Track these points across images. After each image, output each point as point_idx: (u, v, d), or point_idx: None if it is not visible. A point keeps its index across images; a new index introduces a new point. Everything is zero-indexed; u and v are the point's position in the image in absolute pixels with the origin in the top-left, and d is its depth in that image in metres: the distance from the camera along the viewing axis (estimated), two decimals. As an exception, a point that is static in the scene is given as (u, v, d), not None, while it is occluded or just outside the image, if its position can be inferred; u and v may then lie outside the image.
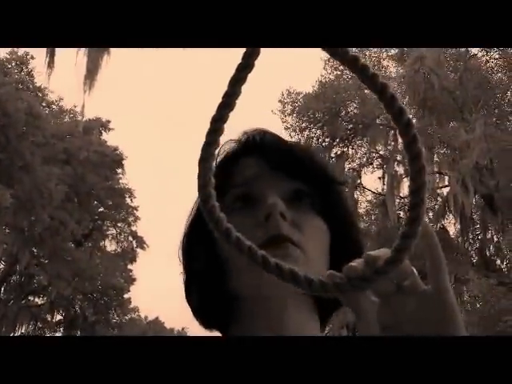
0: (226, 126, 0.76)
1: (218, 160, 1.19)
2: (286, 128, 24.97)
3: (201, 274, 1.15)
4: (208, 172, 0.77)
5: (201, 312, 1.18)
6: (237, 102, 0.77)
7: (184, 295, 1.21)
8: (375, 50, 24.85)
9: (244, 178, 1.13)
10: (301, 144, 1.23)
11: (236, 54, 0.76)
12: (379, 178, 23.73)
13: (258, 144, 1.17)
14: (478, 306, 18.83)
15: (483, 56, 23.75)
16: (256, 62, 0.76)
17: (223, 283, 1.11)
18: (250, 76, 0.75)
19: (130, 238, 31.61)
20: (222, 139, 0.78)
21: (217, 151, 0.79)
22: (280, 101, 25.02)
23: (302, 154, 1.17)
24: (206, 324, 1.19)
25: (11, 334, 27.28)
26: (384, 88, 0.73)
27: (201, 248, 1.12)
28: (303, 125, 24.65)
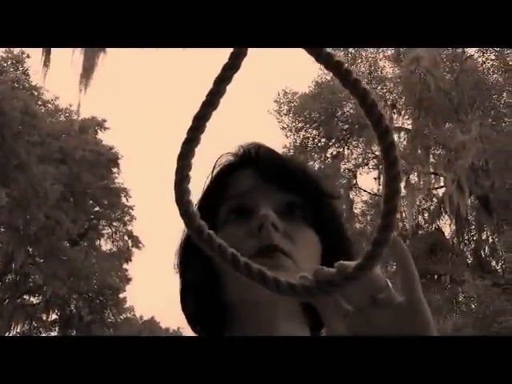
0: (224, 127, 0.76)
1: (214, 172, 1.23)
2: (282, 128, 24.99)
3: (196, 283, 1.17)
4: (186, 168, 0.77)
5: (195, 320, 1.20)
6: (220, 101, 0.77)
7: (179, 296, 1.23)
8: (371, 50, 24.87)
9: (238, 190, 1.15)
10: (295, 158, 1.27)
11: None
12: (375, 178, 23.77)
13: (252, 157, 1.20)
14: (473, 306, 18.86)
15: (479, 57, 23.79)
16: (253, 62, 0.76)
17: (217, 292, 1.13)
18: (246, 76, 0.75)
19: (126, 238, 31.56)
20: (212, 140, 0.78)
21: (197, 148, 0.80)
22: (276, 101, 25.03)
23: (295, 167, 1.20)
24: (199, 332, 1.20)
25: (6, 334, 27.22)
26: (366, 94, 0.73)
27: (196, 257, 1.12)
28: (299, 125, 24.66)
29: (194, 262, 1.16)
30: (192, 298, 1.18)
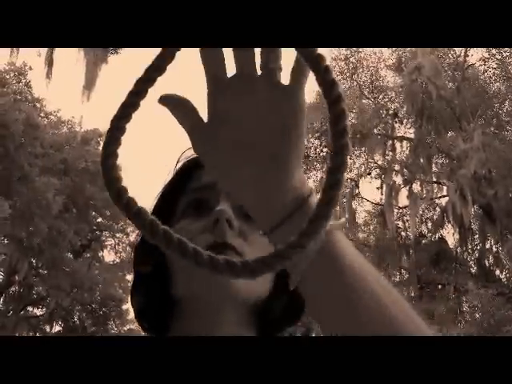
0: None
1: (181, 164, 1.20)
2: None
3: (146, 277, 1.16)
4: (112, 166, 0.77)
5: (143, 315, 1.19)
6: (141, 102, 0.77)
7: (130, 292, 1.23)
8: (372, 60, 24.90)
9: (201, 184, 1.14)
10: None
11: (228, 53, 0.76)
12: (377, 188, 23.75)
13: None
14: (478, 316, 18.80)
15: (481, 66, 23.82)
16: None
17: (167, 287, 1.11)
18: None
19: (129, 249, 31.54)
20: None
21: (118, 150, 0.80)
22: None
23: None
24: (146, 328, 1.18)
25: (9, 346, 27.15)
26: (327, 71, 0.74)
27: (149, 251, 1.10)
28: (301, 135, 24.66)
29: (146, 255, 1.15)
30: (142, 292, 1.17)
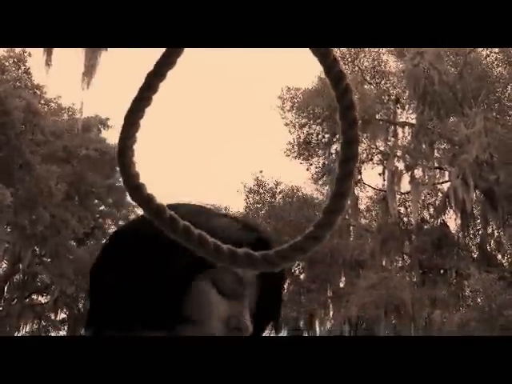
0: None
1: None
2: (286, 124, 24.98)
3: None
4: (129, 163, 0.77)
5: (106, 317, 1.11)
6: (153, 97, 0.77)
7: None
8: (374, 45, 24.76)
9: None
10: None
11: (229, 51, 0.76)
12: (379, 173, 23.74)
13: None
14: (480, 300, 18.84)
15: (483, 50, 23.71)
16: (256, 59, 0.76)
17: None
18: (250, 73, 0.76)
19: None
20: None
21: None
22: (279, 97, 25.01)
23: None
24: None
25: (15, 333, 27.32)
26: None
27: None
28: (303, 121, 24.65)
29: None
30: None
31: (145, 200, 0.74)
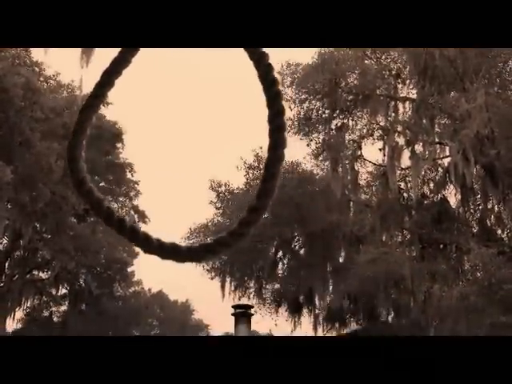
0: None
1: None
2: (286, 100, 24.86)
3: None
4: (77, 158, 0.79)
5: None
6: (108, 93, 0.78)
7: (187, 268, 1.21)
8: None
9: None
10: None
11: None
12: (380, 149, 23.68)
13: None
14: (479, 275, 18.92)
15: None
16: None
17: None
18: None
19: (132, 213, 31.68)
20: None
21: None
22: (279, 72, 24.86)
23: None
24: None
25: (17, 308, 27.49)
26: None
27: None
28: (303, 96, 24.53)
29: None
30: None
31: (86, 193, 0.76)
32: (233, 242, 0.71)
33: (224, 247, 0.72)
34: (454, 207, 23.23)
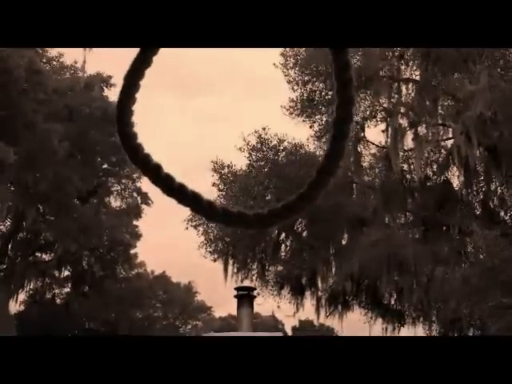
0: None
1: None
2: (289, 82, 24.79)
3: None
4: (126, 123, 0.79)
5: None
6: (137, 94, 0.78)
7: (190, 250, 1.23)
8: None
9: None
10: None
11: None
12: (383, 131, 23.61)
13: None
14: (482, 257, 18.94)
15: (488, 5, 23.33)
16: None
17: None
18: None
19: (135, 194, 31.73)
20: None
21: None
22: (282, 54, 24.77)
23: None
24: None
25: (20, 290, 27.60)
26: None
27: None
28: (306, 78, 24.45)
29: None
30: None
31: (142, 160, 0.75)
32: (301, 206, 0.71)
33: (293, 212, 0.71)
34: (456, 189, 23.21)
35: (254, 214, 0.72)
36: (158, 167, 0.76)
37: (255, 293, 24.74)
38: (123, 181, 31.31)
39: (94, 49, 21.33)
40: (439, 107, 22.98)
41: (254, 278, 26.17)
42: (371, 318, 25.19)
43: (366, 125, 24.47)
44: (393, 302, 24.44)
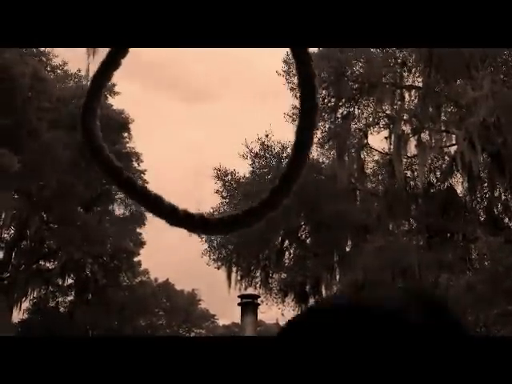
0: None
1: None
2: (292, 89, 24.82)
3: None
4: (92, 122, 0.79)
5: None
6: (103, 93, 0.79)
7: (193, 257, 1.25)
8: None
9: None
10: None
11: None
12: (386, 137, 23.62)
13: None
14: (486, 264, 18.89)
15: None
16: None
17: None
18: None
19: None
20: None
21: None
22: (285, 61, 24.81)
23: None
24: None
25: (23, 299, 27.59)
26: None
27: None
28: (309, 85, 24.47)
29: None
30: None
31: (105, 161, 0.75)
32: (279, 202, 0.70)
33: (254, 219, 0.71)
34: (460, 195, 23.18)
35: (216, 218, 0.71)
36: (119, 169, 0.76)
37: (259, 300, 24.73)
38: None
39: (96, 57, 21.38)
40: (442, 113, 22.98)
41: (257, 285, 26.14)
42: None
43: (369, 131, 24.49)
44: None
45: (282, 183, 0.71)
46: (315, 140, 25.11)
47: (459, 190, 23.33)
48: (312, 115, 0.73)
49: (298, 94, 0.76)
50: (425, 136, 22.58)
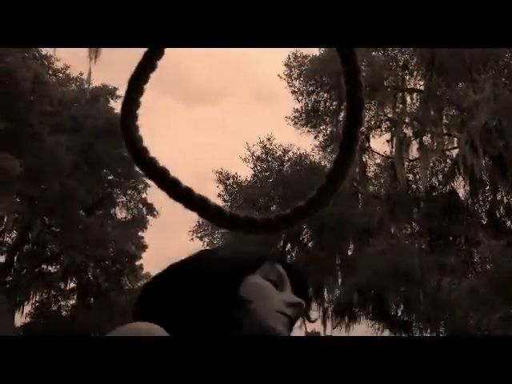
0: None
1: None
2: (293, 92, 24.85)
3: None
4: (131, 127, 0.78)
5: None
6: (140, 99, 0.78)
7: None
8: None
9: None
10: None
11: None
12: (387, 140, 23.62)
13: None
14: (489, 267, 18.87)
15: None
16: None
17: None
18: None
19: (140, 206, 31.73)
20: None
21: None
22: (286, 64, 24.85)
23: None
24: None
25: (25, 303, 27.60)
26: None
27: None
28: (310, 88, 24.50)
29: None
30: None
31: (148, 163, 0.75)
32: (310, 212, 0.71)
33: (301, 217, 0.72)
34: (462, 199, 23.17)
35: (263, 218, 0.71)
36: (164, 171, 0.76)
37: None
38: (129, 192, 31.33)
39: (98, 60, 21.41)
40: (444, 117, 22.99)
41: (259, 289, 26.07)
42: (378, 329, 25.09)
43: (371, 135, 24.49)
44: (400, 313, 24.34)
45: (329, 181, 0.71)
46: (317, 143, 25.13)
47: (461, 193, 23.34)
48: (358, 110, 0.74)
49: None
50: (427, 139, 22.58)
